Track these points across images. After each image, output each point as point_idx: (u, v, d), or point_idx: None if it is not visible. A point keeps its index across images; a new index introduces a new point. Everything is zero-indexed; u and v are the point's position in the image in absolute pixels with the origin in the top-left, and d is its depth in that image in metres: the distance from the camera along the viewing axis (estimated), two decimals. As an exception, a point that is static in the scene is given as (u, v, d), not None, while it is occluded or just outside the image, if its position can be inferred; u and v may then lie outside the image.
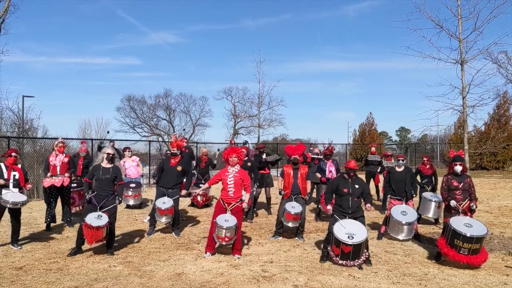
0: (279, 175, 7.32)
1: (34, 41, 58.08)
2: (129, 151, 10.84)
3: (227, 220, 5.94)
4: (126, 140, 21.27)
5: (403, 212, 6.93)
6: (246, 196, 6.26)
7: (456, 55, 12.01)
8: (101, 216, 5.92)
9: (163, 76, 63.86)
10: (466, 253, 5.48)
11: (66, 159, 7.84)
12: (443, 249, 5.69)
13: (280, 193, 7.22)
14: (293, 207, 6.89)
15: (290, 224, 6.94)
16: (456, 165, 6.15)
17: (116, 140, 13.07)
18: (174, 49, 63.70)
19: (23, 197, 6.34)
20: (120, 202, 6.32)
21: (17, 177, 6.36)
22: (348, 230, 5.60)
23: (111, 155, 6.26)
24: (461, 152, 6.56)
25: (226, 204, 6.11)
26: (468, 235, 5.46)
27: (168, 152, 11.18)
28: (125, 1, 60.42)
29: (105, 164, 6.23)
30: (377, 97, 67.62)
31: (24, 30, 53.59)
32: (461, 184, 6.07)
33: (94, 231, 5.76)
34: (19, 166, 6.55)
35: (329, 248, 5.73)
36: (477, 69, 12.01)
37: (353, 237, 5.49)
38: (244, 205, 6.24)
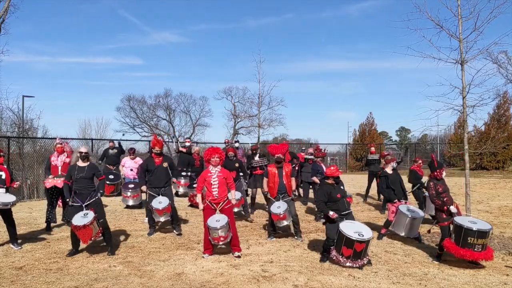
0: (264, 176, 7.32)
1: (35, 41, 58.08)
2: (132, 153, 10.84)
3: (218, 220, 5.97)
4: (126, 140, 21.29)
5: (410, 209, 7.00)
6: (232, 194, 6.31)
7: (456, 55, 11.97)
8: (87, 214, 5.93)
9: (164, 76, 63.90)
10: (480, 249, 5.51)
11: (67, 160, 7.84)
12: (459, 252, 5.59)
13: (265, 195, 7.25)
14: (278, 207, 6.89)
15: (281, 224, 6.93)
16: (443, 170, 6.22)
17: (116, 140, 13.07)
18: (175, 48, 63.77)
19: (12, 197, 6.30)
20: (101, 195, 6.28)
21: (3, 177, 6.33)
22: (355, 229, 5.63)
23: (83, 154, 6.25)
24: (433, 156, 6.54)
25: (214, 205, 6.13)
26: (481, 229, 5.49)
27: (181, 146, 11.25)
28: (127, 0, 60.45)
29: (81, 163, 6.22)
30: (377, 97, 67.68)
31: (25, 30, 53.61)
32: (445, 186, 6.15)
33: (83, 230, 5.77)
34: (5, 166, 6.50)
35: (334, 252, 5.68)
36: (477, 69, 11.96)
37: (363, 235, 5.53)
38: (233, 201, 6.30)
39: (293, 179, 7.19)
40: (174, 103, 41.04)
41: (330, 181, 6.03)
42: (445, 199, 6.04)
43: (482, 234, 5.48)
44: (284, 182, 7.05)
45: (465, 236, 5.58)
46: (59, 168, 7.74)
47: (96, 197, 6.17)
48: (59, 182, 7.66)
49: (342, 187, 6.06)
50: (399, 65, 76.31)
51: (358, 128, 29.80)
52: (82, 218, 5.87)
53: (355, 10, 65.49)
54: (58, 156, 7.80)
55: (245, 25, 63.22)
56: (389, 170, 7.52)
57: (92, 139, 16.72)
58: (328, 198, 5.96)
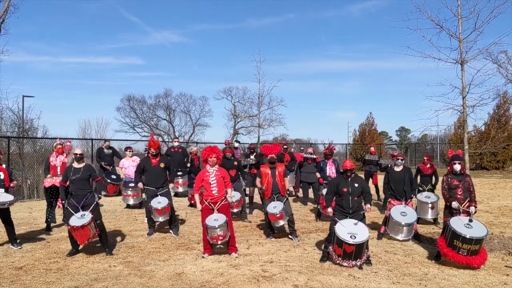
0: (257, 176, 7.29)
1: (36, 41, 57.95)
2: (130, 151, 10.82)
3: (216, 219, 5.97)
4: (126, 140, 21.29)
5: (402, 212, 6.92)
6: (229, 192, 6.31)
7: (456, 55, 11.98)
8: (84, 215, 5.93)
9: (164, 76, 63.85)
10: (465, 254, 5.48)
11: (66, 160, 7.85)
12: (443, 249, 5.69)
13: (260, 190, 7.23)
14: (274, 207, 6.89)
15: (278, 224, 6.93)
16: (455, 163, 6.20)
17: (116, 140, 13.06)
18: (176, 48, 63.75)
19: (10, 197, 6.29)
20: (99, 198, 6.30)
21: (2, 177, 6.31)
22: (350, 229, 5.60)
23: (78, 155, 6.27)
24: (460, 152, 6.59)
25: (212, 205, 6.13)
26: (467, 236, 5.45)
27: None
28: (128, 0, 60.40)
29: (76, 165, 6.24)
30: (377, 97, 67.63)
31: (25, 30, 53.52)
32: (461, 182, 6.10)
33: (81, 230, 5.78)
34: (3, 166, 6.49)
35: (330, 248, 5.73)
36: (477, 69, 11.98)
37: (355, 237, 5.49)
38: (229, 199, 6.30)
39: (286, 179, 7.18)
40: (174, 103, 41.11)
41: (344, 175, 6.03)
42: (457, 195, 6.05)
43: (468, 240, 5.44)
44: (277, 182, 7.04)
45: (452, 237, 5.60)
46: (58, 168, 7.75)
47: (93, 199, 6.17)
48: (57, 181, 7.66)
49: (356, 185, 5.88)
50: (399, 65, 76.23)
51: (358, 128, 29.80)
52: (79, 219, 5.86)
53: (357, 10, 65.51)
54: (57, 157, 7.81)
55: (246, 25, 63.21)
56: (396, 168, 7.54)
57: (92, 139, 16.70)
58: (336, 190, 5.96)
